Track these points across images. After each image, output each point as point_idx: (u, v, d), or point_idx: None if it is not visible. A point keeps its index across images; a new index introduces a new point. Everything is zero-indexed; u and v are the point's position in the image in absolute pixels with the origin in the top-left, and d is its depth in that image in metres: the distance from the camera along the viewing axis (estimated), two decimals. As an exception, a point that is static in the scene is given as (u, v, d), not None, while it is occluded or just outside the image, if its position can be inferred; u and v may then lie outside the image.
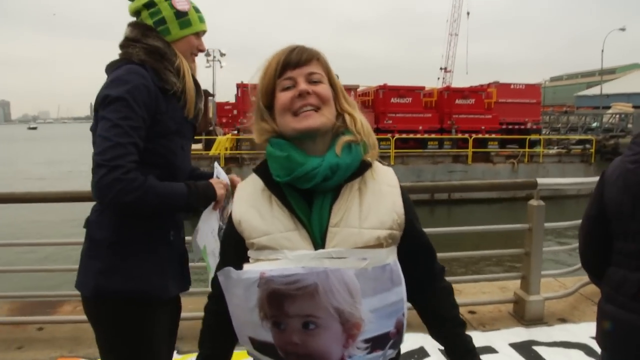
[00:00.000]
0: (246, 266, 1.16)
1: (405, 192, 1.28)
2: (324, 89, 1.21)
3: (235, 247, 1.24)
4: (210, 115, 27.58)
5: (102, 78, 1.70)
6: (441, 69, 54.70)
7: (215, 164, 1.95)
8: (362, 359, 1.15)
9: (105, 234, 1.64)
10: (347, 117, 1.24)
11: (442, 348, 1.36)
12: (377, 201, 1.21)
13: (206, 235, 1.78)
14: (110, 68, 1.70)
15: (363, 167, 1.22)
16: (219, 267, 1.28)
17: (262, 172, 1.24)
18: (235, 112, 27.25)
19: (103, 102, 1.58)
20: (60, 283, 7.22)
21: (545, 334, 3.52)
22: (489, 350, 3.28)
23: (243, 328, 1.20)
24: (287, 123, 1.20)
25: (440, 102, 22.29)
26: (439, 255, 1.46)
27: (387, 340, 1.18)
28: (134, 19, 1.78)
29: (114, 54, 1.77)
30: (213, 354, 1.35)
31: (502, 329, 3.62)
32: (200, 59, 1.92)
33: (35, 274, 7.71)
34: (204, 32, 1.83)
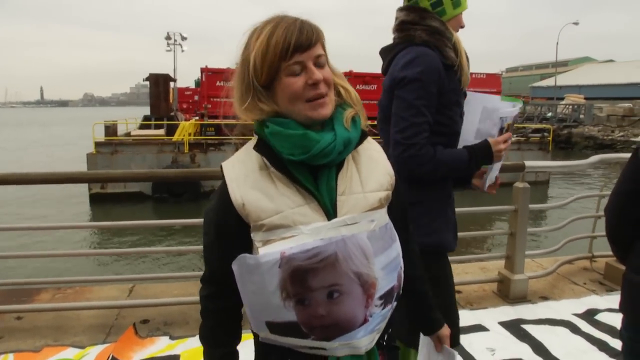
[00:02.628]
0: (262, 249, 1.12)
1: (388, 155, 1.35)
2: (329, 73, 1.18)
3: (235, 234, 1.17)
4: (172, 100, 27.04)
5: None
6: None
7: (502, 110, 1.96)
8: (379, 315, 1.20)
9: (406, 195, 1.75)
10: (342, 91, 1.23)
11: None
12: (373, 166, 1.25)
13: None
14: (389, 51, 1.92)
15: (364, 136, 1.25)
16: (215, 259, 1.24)
17: (265, 150, 1.17)
18: (196, 97, 26.76)
19: (400, 83, 1.79)
20: (32, 271, 6.96)
21: (531, 311, 3.62)
22: (480, 328, 3.35)
23: (260, 313, 1.16)
24: (300, 111, 1.15)
25: None
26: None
27: (393, 294, 1.23)
28: (401, 4, 1.94)
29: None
30: (231, 350, 1.31)
31: (490, 307, 3.70)
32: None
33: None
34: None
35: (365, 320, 1.16)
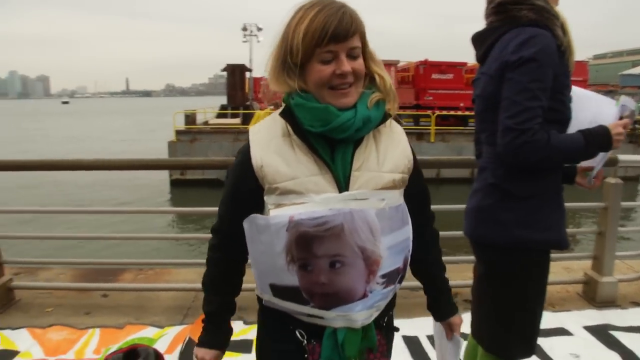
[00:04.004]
0: (273, 211, 1.19)
1: (407, 138, 1.37)
2: (361, 64, 1.22)
3: (250, 193, 1.23)
4: (247, 90, 27.69)
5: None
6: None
7: (622, 97, 1.87)
8: (379, 293, 1.24)
9: (519, 187, 1.75)
10: (377, 78, 1.26)
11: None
12: (392, 147, 1.28)
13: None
14: (487, 36, 1.80)
15: (385, 118, 1.28)
16: (228, 214, 1.31)
17: (289, 118, 1.25)
18: (271, 87, 27.08)
19: (513, 64, 1.64)
20: (117, 252, 7.39)
21: (620, 317, 3.36)
22: (562, 332, 3.15)
23: (266, 275, 1.24)
24: (324, 96, 1.20)
25: (416, 76, 21.72)
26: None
27: (397, 275, 1.28)
28: None
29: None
30: (226, 300, 1.40)
31: (573, 310, 3.48)
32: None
33: (86, 242, 7.92)
34: None
35: (364, 295, 1.22)
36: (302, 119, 1.20)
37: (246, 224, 1.22)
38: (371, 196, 1.20)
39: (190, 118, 20.64)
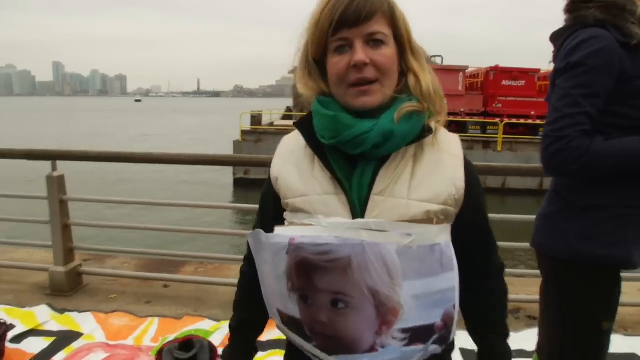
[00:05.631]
0: (277, 229, 1.04)
1: (470, 165, 1.10)
2: (385, 55, 1.00)
3: (273, 205, 1.11)
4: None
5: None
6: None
7: None
8: (397, 351, 1.00)
9: (581, 197, 1.64)
10: (411, 79, 1.04)
11: None
12: (434, 170, 1.03)
13: None
14: (558, 37, 1.70)
15: (423, 133, 1.03)
16: (255, 226, 1.18)
17: (306, 128, 1.07)
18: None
19: (560, 71, 1.57)
20: (179, 245, 7.65)
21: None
22: (634, 358, 2.94)
23: (272, 298, 1.09)
24: (342, 95, 1.03)
25: (486, 83, 20.76)
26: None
27: (431, 334, 1.01)
28: None
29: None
30: (249, 317, 1.26)
31: (648, 336, 3.23)
32: None
33: (151, 234, 8.23)
34: None
35: (373, 349, 0.99)
36: (316, 127, 1.04)
37: (250, 239, 1.07)
38: (392, 228, 0.97)
39: (256, 119, 21.07)
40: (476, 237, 1.13)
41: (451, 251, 1.00)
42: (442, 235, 1.00)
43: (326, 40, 1.01)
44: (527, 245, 1.91)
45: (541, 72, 20.50)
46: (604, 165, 1.53)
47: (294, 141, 1.13)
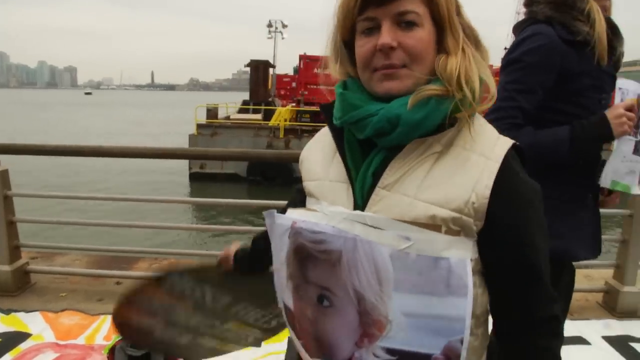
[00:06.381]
0: (289, 211, 0.97)
1: (515, 175, 0.89)
2: (417, 38, 0.87)
3: (297, 188, 1.10)
4: (270, 86, 27.75)
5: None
6: (505, 49, 52.71)
7: (619, 80, 1.63)
8: None
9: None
10: (440, 59, 0.88)
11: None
12: (455, 171, 0.87)
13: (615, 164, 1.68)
14: (515, 30, 1.74)
15: (443, 126, 0.88)
16: (287, 205, 1.12)
17: (328, 112, 1.00)
18: (294, 84, 27.26)
19: (504, 67, 1.62)
20: (132, 240, 7.46)
21: (642, 329, 3.26)
22: (580, 340, 3.06)
23: (279, 287, 1.03)
24: (367, 81, 0.93)
25: None
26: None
27: None
28: None
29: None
30: (249, 247, 1.29)
31: (592, 319, 3.37)
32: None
33: (101, 230, 8.01)
34: None
35: None
36: (335, 110, 0.96)
37: (266, 218, 0.99)
38: (389, 227, 0.85)
39: (211, 112, 20.78)
40: (508, 266, 0.89)
41: (466, 273, 0.83)
42: (453, 250, 0.84)
43: (353, 21, 0.91)
44: None
45: (493, 67, 21.00)
46: (529, 156, 1.57)
47: (326, 128, 1.07)
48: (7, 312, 3.19)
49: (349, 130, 0.94)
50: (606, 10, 1.62)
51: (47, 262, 4.04)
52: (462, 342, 0.85)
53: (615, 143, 1.61)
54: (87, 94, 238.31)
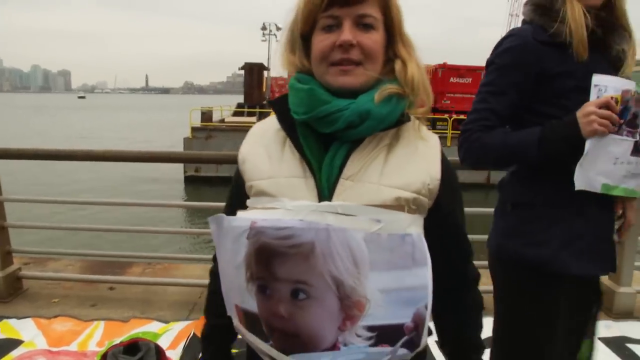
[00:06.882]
0: (240, 213, 0.98)
1: (448, 161, 1.06)
2: (373, 39, 0.98)
3: (238, 190, 1.07)
4: (264, 89, 27.76)
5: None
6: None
7: (595, 77, 1.48)
8: (361, 351, 0.92)
9: (510, 194, 1.66)
10: (397, 64, 1.01)
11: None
12: (409, 159, 1.00)
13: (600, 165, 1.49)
14: None
15: (400, 121, 1.01)
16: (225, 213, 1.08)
17: (279, 106, 1.04)
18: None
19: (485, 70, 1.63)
20: (125, 245, 7.41)
21: (638, 330, 3.25)
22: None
23: (230, 292, 1.00)
24: (321, 74, 1.00)
25: (434, 80, 21.06)
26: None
27: (400, 335, 0.93)
28: None
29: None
30: (220, 323, 1.15)
31: (589, 321, 3.37)
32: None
33: (94, 234, 7.95)
34: None
35: (334, 347, 0.91)
36: (291, 104, 1.01)
37: (212, 224, 0.98)
38: (360, 212, 0.91)
39: (206, 115, 20.76)
40: (449, 239, 1.09)
41: (424, 245, 0.93)
42: (413, 226, 0.95)
43: (315, 17, 0.99)
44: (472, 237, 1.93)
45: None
46: (490, 156, 1.57)
47: (266, 125, 1.11)
48: (-1, 318, 3.15)
49: (305, 125, 0.99)
50: (595, 2, 1.51)
51: (40, 267, 4.01)
52: (426, 307, 0.94)
53: (587, 143, 1.45)
54: (80, 97, 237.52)
